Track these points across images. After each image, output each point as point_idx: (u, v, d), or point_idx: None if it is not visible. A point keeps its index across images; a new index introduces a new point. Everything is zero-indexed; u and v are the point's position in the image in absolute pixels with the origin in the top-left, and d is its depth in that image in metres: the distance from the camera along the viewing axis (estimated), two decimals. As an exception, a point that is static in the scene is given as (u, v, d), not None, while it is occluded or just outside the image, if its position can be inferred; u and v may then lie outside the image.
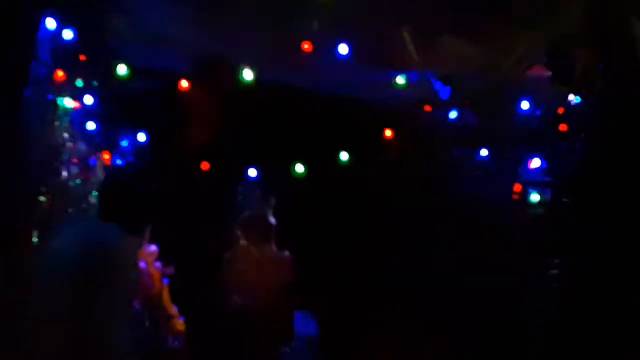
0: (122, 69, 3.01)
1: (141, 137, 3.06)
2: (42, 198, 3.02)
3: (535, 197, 3.08)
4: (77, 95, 3.00)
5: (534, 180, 3.10)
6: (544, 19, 2.95)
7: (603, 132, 2.99)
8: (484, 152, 3.01)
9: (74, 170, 3.04)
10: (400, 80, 3.01)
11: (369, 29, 2.99)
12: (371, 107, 3.05)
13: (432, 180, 3.10)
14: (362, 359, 3.11)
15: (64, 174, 2.93)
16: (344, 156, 3.07)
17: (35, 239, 2.91)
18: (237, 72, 3.06)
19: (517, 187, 3.05)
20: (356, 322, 3.07)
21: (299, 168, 3.08)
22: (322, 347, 3.05)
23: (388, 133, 3.03)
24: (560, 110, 3.03)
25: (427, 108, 3.05)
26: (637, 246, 3.00)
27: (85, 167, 3.04)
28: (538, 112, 3.07)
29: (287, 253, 3.17)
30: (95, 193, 3.04)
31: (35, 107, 2.99)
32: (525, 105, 3.03)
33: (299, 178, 3.08)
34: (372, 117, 3.06)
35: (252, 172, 3.11)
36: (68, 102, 2.96)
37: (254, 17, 2.95)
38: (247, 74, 3.03)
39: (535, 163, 3.06)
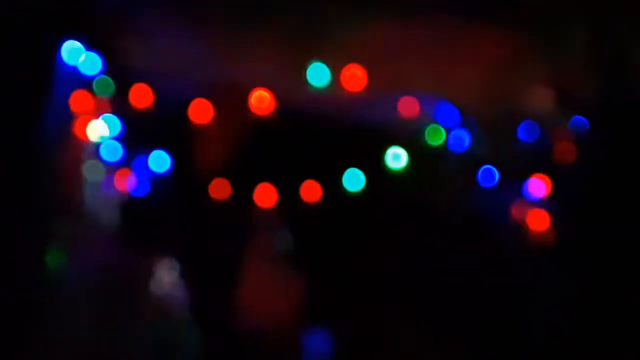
0: (144, 95, 2.99)
1: (162, 160, 3.05)
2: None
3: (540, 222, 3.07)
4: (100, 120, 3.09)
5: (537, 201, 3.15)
6: (551, 48, 3.04)
7: (603, 155, 3.05)
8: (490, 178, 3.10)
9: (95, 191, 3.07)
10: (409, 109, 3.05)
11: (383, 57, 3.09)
12: (381, 131, 3.12)
13: (440, 201, 3.18)
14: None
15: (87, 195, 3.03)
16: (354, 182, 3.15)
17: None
18: (251, 96, 3.07)
19: (520, 211, 3.14)
20: (370, 339, 3.14)
21: (313, 189, 3.11)
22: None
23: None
24: (565, 134, 3.13)
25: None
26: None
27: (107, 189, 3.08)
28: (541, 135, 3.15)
29: (298, 273, 3.28)
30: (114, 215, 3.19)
31: (55, 132, 3.04)
32: (529, 128, 3.08)
33: (312, 200, 3.15)
34: (383, 140, 3.11)
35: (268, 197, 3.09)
36: (91, 128, 3.00)
37: (270, 44, 3.03)
38: (263, 99, 3.05)
39: (538, 185, 3.09)
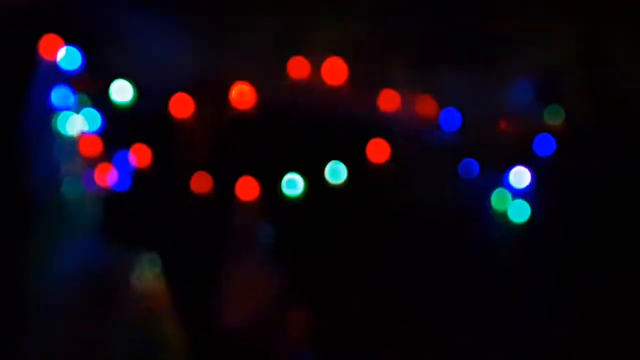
0: (123, 91, 3.12)
1: (142, 154, 3.15)
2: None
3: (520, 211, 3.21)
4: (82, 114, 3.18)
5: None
6: (536, 49, 3.18)
7: (584, 152, 3.19)
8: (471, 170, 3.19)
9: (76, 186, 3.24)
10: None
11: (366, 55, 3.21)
12: (364, 125, 3.20)
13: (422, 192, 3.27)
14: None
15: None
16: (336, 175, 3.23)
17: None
18: (232, 90, 3.18)
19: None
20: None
21: (295, 182, 3.20)
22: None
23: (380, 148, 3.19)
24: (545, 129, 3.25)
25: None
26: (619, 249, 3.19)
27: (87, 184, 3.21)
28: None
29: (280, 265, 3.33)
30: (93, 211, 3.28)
31: (39, 126, 3.18)
32: (510, 124, 3.21)
33: (294, 194, 3.23)
34: (366, 133, 3.20)
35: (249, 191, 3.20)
36: (71, 124, 3.10)
37: (253, 40, 3.14)
38: (243, 93, 3.14)
39: (519, 176, 3.23)
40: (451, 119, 3.20)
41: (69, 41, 3.07)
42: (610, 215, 3.17)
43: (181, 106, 3.12)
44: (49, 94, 3.05)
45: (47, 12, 3.11)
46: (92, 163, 3.08)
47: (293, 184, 3.21)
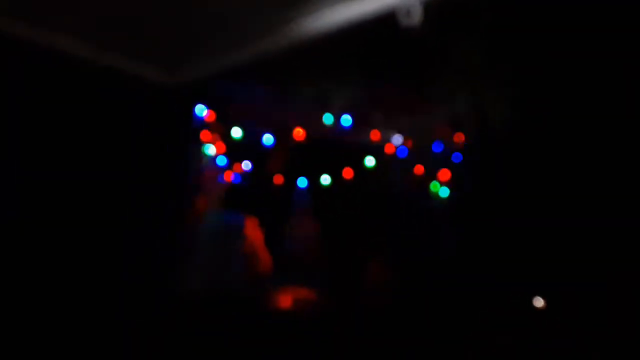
0: (237, 132, 4.79)
1: (247, 164, 4.89)
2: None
3: (444, 192, 4.88)
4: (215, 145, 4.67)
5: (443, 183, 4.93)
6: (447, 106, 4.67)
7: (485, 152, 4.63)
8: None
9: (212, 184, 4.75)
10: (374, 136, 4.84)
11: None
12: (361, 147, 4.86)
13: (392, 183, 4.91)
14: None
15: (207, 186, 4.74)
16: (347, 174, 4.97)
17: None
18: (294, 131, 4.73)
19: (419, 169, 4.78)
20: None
21: (326, 180, 4.96)
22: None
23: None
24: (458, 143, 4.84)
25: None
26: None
27: (218, 182, 4.80)
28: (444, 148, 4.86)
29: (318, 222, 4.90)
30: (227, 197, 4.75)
31: (191, 153, 4.70)
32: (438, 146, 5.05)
33: (327, 187, 4.90)
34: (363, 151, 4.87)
35: (303, 183, 4.99)
36: (210, 149, 4.75)
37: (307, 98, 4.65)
38: (299, 132, 4.79)
39: (444, 173, 4.88)
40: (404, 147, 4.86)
41: (210, 106, 4.63)
42: (496, 195, 4.54)
43: (268, 139, 4.79)
44: (198, 135, 4.68)
45: (198, 88, 4.58)
46: (222, 169, 4.77)
47: (326, 179, 4.96)
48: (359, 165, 4.92)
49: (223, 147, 4.78)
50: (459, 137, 4.84)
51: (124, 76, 4.24)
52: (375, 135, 4.90)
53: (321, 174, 4.95)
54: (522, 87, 4.41)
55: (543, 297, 4.42)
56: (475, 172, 4.75)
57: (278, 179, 4.99)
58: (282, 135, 4.83)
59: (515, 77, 4.42)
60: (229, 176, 4.83)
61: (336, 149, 4.84)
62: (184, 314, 4.12)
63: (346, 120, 4.78)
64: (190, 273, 4.43)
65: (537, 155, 4.53)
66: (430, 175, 4.96)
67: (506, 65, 4.42)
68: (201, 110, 4.72)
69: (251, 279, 4.56)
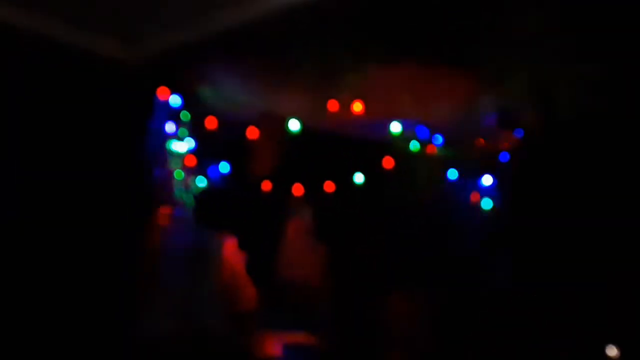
0: (212, 122, 4.08)
1: (225, 167, 4.16)
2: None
3: (487, 204, 4.18)
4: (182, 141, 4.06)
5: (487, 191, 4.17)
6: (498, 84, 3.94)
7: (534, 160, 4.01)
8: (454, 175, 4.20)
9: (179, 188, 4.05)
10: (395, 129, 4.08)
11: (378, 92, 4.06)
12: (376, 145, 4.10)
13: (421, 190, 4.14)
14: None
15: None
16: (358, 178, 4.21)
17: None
18: (286, 123, 4.12)
19: (475, 197, 4.19)
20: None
21: (330, 186, 4.20)
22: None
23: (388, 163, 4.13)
24: (505, 145, 4.11)
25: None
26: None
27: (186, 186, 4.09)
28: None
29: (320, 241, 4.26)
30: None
31: (154, 149, 4.05)
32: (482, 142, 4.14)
33: (329, 194, 4.21)
34: (378, 153, 4.13)
35: (299, 191, 4.23)
36: (176, 146, 4.05)
37: (301, 84, 4.04)
38: (294, 124, 4.11)
39: (487, 180, 4.16)
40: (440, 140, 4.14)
41: (175, 89, 3.99)
42: (543, 207, 3.92)
43: (251, 134, 4.10)
44: (163, 126, 4.00)
45: (160, 68, 4.09)
46: (190, 172, 4.06)
47: (328, 186, 4.23)
48: (374, 168, 4.20)
49: (193, 143, 4.10)
50: (512, 132, 4.09)
51: (71, 50, 3.99)
52: (395, 127, 4.12)
53: (323, 180, 4.23)
54: (601, 64, 3.70)
55: (617, 346, 3.80)
56: (533, 178, 3.99)
57: (265, 186, 4.24)
58: (270, 128, 4.15)
59: (592, 50, 3.71)
60: (200, 181, 4.13)
61: (343, 147, 4.12)
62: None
63: (358, 107, 4.05)
64: (152, 315, 3.90)
65: (620, 154, 3.81)
66: (470, 181, 4.22)
67: (580, 34, 3.70)
68: (165, 95, 4.04)
69: (230, 320, 3.99)
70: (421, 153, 4.20)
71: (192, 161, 4.10)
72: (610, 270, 3.79)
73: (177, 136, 4.06)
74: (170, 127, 4.05)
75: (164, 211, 4.01)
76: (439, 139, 4.22)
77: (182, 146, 4.08)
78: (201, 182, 4.14)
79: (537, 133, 4.02)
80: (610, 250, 3.81)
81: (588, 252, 3.84)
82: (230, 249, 4.08)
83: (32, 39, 3.86)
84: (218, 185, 4.18)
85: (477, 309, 4.06)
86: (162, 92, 4.03)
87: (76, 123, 3.96)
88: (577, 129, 3.80)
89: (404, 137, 4.18)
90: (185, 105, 4.07)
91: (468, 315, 4.06)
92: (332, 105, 4.09)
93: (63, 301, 3.99)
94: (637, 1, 3.60)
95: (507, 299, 3.97)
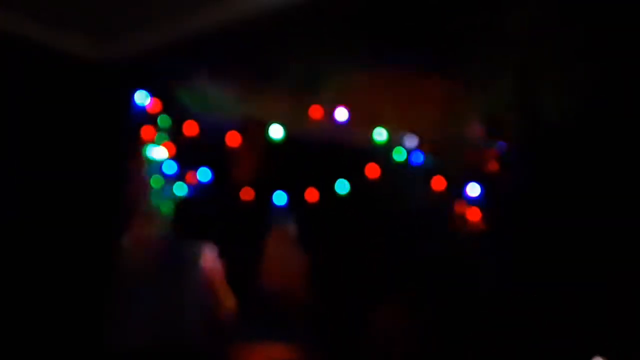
0: (192, 128, 4.00)
1: (205, 173, 4.07)
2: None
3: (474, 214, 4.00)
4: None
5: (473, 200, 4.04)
6: (484, 92, 3.86)
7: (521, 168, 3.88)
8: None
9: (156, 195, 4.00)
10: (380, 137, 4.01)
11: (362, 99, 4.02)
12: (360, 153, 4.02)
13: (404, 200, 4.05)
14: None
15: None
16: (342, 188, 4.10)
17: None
18: (267, 129, 4.04)
19: (461, 207, 4.05)
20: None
21: (313, 194, 4.09)
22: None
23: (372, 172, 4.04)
24: (492, 153, 3.98)
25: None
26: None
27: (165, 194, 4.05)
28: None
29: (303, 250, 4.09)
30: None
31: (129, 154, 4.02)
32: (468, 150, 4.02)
33: (312, 202, 4.10)
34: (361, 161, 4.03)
35: (281, 199, 4.12)
36: (154, 152, 4.00)
37: (285, 91, 3.98)
38: (277, 130, 4.04)
39: (473, 189, 4.01)
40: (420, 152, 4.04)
41: (152, 92, 3.96)
42: (536, 213, 3.80)
43: (233, 139, 4.02)
44: (139, 130, 3.95)
45: (136, 69, 4.05)
46: (170, 179, 4.02)
47: (312, 194, 4.10)
48: (357, 176, 4.07)
49: (173, 149, 4.04)
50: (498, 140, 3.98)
51: (44, 50, 3.94)
52: (380, 135, 4.04)
53: (306, 187, 4.09)
54: (591, 69, 3.61)
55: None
56: (520, 185, 3.85)
57: (247, 193, 4.12)
58: (252, 134, 4.06)
59: (582, 53, 3.64)
60: (180, 188, 4.06)
61: (326, 154, 4.01)
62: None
63: (341, 113, 3.99)
64: (128, 325, 3.79)
65: (609, 162, 3.70)
66: (455, 191, 4.04)
67: (569, 35, 3.63)
68: (143, 98, 3.99)
69: (209, 331, 3.91)
70: (405, 163, 4.10)
71: (171, 168, 4.05)
72: (601, 273, 3.72)
73: (154, 141, 4.01)
74: (147, 131, 3.99)
75: (140, 218, 3.93)
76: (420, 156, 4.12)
77: (160, 152, 4.01)
78: (180, 189, 4.07)
79: (524, 139, 3.91)
80: (603, 252, 3.71)
81: (580, 254, 3.74)
82: (210, 258, 3.98)
83: (4, 37, 3.79)
84: (198, 192, 4.12)
85: (465, 320, 3.95)
86: (139, 96, 4.00)
87: (48, 122, 3.92)
88: (564, 133, 3.73)
89: (389, 146, 4.08)
90: (163, 110, 4.03)
91: (456, 330, 3.96)
92: (315, 111, 4.03)
93: (35, 309, 3.88)
94: (627, 3, 3.53)
95: (497, 309, 3.86)
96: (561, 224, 3.77)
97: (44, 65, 3.97)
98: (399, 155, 4.12)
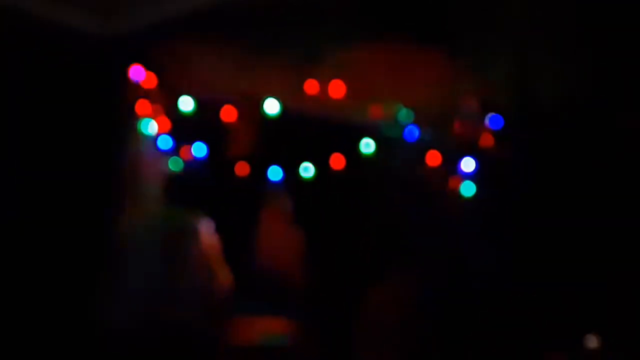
0: (187, 103, 4.00)
1: (200, 148, 4.05)
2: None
3: (468, 190, 4.04)
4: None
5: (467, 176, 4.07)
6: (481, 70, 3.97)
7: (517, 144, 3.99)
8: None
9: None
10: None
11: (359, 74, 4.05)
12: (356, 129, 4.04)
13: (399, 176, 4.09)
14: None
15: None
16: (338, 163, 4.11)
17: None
18: (263, 104, 4.04)
19: (455, 182, 4.10)
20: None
21: (309, 170, 4.10)
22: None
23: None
24: (487, 128, 4.03)
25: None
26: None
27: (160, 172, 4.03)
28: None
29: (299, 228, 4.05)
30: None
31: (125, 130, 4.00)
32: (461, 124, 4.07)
33: (307, 177, 4.10)
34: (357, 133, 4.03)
35: (276, 174, 4.11)
36: (149, 127, 3.96)
37: (279, 63, 4.01)
38: (273, 105, 4.05)
39: (468, 164, 4.05)
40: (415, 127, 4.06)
41: (148, 67, 3.92)
42: (532, 192, 3.90)
43: (228, 114, 4.01)
44: (133, 105, 3.92)
45: (133, 44, 3.99)
46: (165, 154, 4.00)
47: (306, 170, 4.13)
48: (353, 151, 4.09)
49: (167, 124, 4.01)
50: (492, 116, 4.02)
51: (45, 24, 3.85)
52: (376, 110, 4.05)
53: (301, 162, 4.11)
54: (582, 54, 3.73)
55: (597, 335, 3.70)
56: (513, 164, 3.97)
57: (242, 168, 4.10)
58: (247, 109, 4.04)
59: (575, 38, 3.75)
60: (175, 163, 4.04)
61: (322, 129, 4.03)
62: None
63: (338, 88, 3.99)
64: (117, 304, 3.45)
65: (599, 146, 3.80)
66: (450, 166, 4.09)
67: (563, 19, 3.77)
68: (138, 73, 3.93)
69: (204, 307, 3.57)
70: (401, 138, 4.11)
71: (167, 143, 4.02)
72: (600, 267, 3.79)
73: (150, 116, 3.97)
74: (142, 106, 3.94)
75: (135, 195, 3.88)
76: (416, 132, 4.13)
77: (155, 127, 3.98)
78: (175, 164, 4.04)
79: (519, 115, 4.01)
80: (601, 245, 3.80)
81: (578, 247, 3.84)
82: (206, 233, 3.72)
83: (3, 11, 3.73)
84: (193, 167, 4.09)
85: (462, 301, 3.90)
86: (135, 70, 3.94)
87: (46, 96, 3.86)
88: (559, 118, 3.80)
89: (385, 122, 4.09)
90: (159, 84, 3.98)
91: (453, 309, 3.88)
92: (311, 86, 4.03)
93: (26, 290, 3.82)
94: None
95: (493, 295, 3.91)
96: (556, 206, 3.87)
97: (42, 39, 3.92)
98: (394, 130, 4.13)
